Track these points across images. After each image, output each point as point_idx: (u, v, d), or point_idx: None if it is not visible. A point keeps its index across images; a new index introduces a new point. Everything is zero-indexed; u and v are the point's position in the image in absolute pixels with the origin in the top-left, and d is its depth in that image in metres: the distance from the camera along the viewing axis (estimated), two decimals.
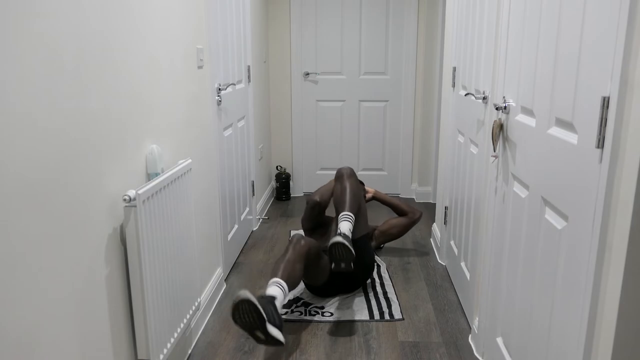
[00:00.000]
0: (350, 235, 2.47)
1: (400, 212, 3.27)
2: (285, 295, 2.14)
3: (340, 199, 2.67)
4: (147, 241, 1.60)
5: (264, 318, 1.94)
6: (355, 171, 4.57)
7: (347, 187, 2.70)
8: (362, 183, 3.30)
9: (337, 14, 4.31)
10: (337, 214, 2.64)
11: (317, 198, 2.87)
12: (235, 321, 1.95)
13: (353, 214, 2.59)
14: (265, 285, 2.85)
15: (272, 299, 2.06)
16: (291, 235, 3.64)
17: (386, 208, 4.19)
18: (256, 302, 1.93)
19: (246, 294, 1.93)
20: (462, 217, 2.65)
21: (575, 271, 1.28)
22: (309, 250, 2.37)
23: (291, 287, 2.21)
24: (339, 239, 2.35)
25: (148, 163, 1.80)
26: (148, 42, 1.80)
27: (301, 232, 3.66)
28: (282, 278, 2.18)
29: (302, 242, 2.37)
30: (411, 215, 3.23)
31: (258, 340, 1.98)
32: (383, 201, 3.28)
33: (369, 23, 4.31)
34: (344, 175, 2.76)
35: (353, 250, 2.36)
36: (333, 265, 2.39)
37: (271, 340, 1.97)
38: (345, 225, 2.50)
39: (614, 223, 1.12)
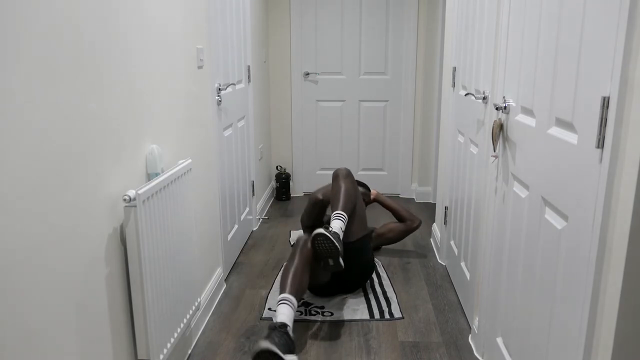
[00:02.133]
0: (341, 233, 2.41)
1: (399, 218, 3.28)
2: (294, 310, 2.20)
3: (335, 199, 2.65)
4: (147, 241, 1.60)
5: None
6: (353, 172, 4.58)
7: (342, 186, 2.67)
8: (365, 186, 3.32)
9: (337, 14, 4.31)
10: (331, 212, 2.62)
11: (319, 196, 2.87)
12: None
13: (346, 214, 2.56)
14: (265, 287, 2.86)
15: (285, 327, 2.07)
16: (291, 235, 3.64)
17: (385, 211, 4.18)
18: (277, 352, 1.93)
19: (266, 344, 1.93)
20: (462, 217, 2.65)
21: (575, 271, 1.28)
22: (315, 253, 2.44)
23: (299, 298, 2.28)
24: (321, 230, 2.28)
25: (148, 163, 1.80)
26: (148, 42, 1.80)
27: (301, 232, 3.66)
28: (291, 293, 2.24)
29: (309, 245, 2.42)
30: (409, 223, 3.22)
31: None
32: (384, 204, 3.29)
33: (369, 23, 4.31)
34: (340, 176, 2.74)
35: (339, 245, 2.28)
36: (322, 263, 2.33)
37: None
38: (336, 224, 2.46)
39: (614, 223, 1.12)
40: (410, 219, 3.24)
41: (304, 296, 2.74)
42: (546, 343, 1.48)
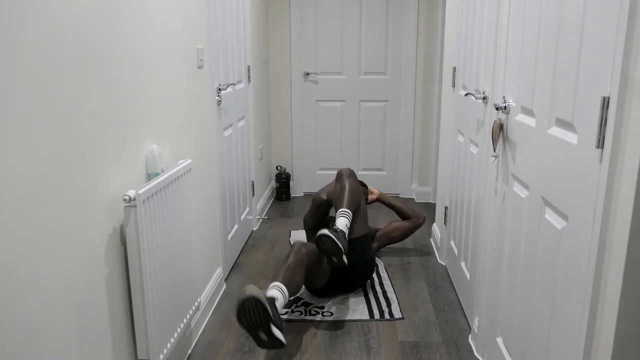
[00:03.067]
0: (346, 230, 2.49)
1: (403, 216, 3.29)
2: (285, 299, 2.15)
3: (339, 197, 2.70)
4: (147, 241, 1.60)
5: (270, 317, 1.91)
6: (355, 172, 4.58)
7: (346, 185, 2.72)
8: (364, 185, 3.32)
9: (337, 14, 4.31)
10: (335, 210, 2.67)
11: (324, 196, 2.89)
12: (240, 319, 1.93)
13: (350, 211, 2.62)
14: (266, 288, 2.86)
15: (273, 300, 2.06)
16: (291, 235, 3.64)
17: (388, 210, 4.18)
18: (264, 300, 1.91)
19: (252, 290, 1.90)
20: (462, 217, 2.65)
21: (575, 271, 1.29)
22: (310, 258, 2.44)
23: (291, 293, 2.23)
24: (324, 231, 2.36)
25: (148, 163, 1.80)
26: (148, 42, 1.80)
27: (302, 233, 3.66)
28: (282, 282, 2.20)
29: (304, 250, 2.41)
30: (414, 220, 3.24)
31: (259, 342, 1.96)
32: (387, 204, 3.30)
33: (369, 23, 4.31)
34: (344, 175, 2.79)
35: (340, 244, 2.34)
36: (327, 260, 2.43)
37: (273, 342, 1.95)
38: (341, 221, 2.54)
39: (614, 223, 1.12)
40: (415, 216, 3.25)
41: (304, 296, 2.74)
42: (546, 343, 1.48)
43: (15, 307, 1.11)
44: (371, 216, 4.05)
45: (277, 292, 2.13)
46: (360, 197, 2.77)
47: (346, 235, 2.46)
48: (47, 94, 1.21)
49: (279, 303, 2.08)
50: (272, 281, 2.24)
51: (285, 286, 2.19)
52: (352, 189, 2.72)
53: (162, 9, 1.93)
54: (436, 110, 4.29)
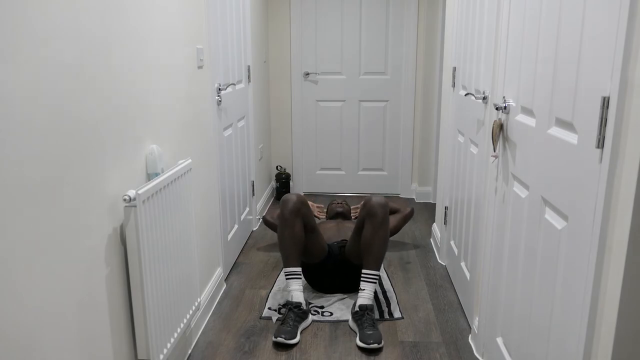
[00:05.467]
0: (372, 301, 2.44)
1: (391, 211, 3.38)
2: (302, 279, 2.51)
3: (366, 250, 2.47)
4: (147, 241, 1.60)
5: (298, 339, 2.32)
6: (352, 172, 4.57)
7: (377, 236, 2.45)
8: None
9: (337, 14, 4.31)
10: (362, 265, 2.49)
11: (268, 218, 3.28)
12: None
13: (379, 271, 2.47)
14: (265, 287, 2.85)
15: (300, 306, 2.40)
16: None
17: None
18: (286, 342, 2.26)
19: (277, 339, 2.25)
20: (462, 217, 2.65)
21: (575, 271, 1.29)
22: (303, 212, 2.54)
23: (300, 261, 2.53)
24: (296, 299, 2.43)
25: (148, 163, 1.80)
26: (148, 42, 1.80)
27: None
28: (298, 265, 2.48)
29: (296, 227, 2.50)
30: (402, 210, 3.29)
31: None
32: None
33: (369, 23, 4.31)
34: (377, 215, 2.45)
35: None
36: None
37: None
38: (367, 292, 2.43)
39: (614, 223, 1.12)
40: (402, 208, 3.33)
41: (304, 295, 2.74)
42: (546, 343, 1.48)
43: (14, 307, 1.11)
44: None
45: (298, 290, 2.46)
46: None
47: (373, 312, 2.39)
48: (47, 96, 1.21)
49: (303, 303, 2.44)
50: (286, 264, 2.49)
51: (299, 265, 2.50)
52: (384, 241, 2.45)
53: (162, 9, 1.93)
54: (436, 110, 4.29)
